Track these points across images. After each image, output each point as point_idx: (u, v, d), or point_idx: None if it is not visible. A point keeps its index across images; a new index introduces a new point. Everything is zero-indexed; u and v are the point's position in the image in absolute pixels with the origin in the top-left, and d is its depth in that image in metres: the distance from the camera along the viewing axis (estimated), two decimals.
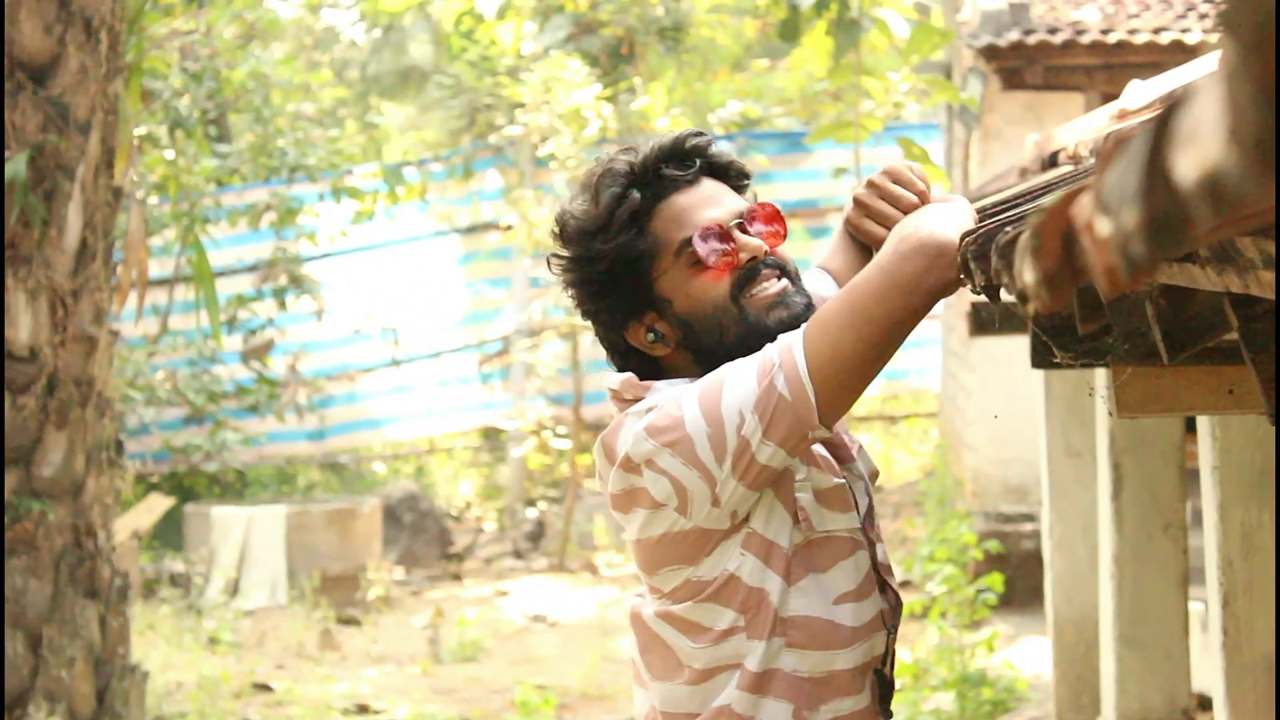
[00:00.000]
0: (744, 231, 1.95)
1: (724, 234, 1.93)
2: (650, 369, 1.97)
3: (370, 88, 17.22)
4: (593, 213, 1.94)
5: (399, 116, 17.83)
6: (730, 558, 1.88)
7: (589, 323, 2.03)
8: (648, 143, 1.99)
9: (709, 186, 1.97)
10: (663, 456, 1.83)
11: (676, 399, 1.85)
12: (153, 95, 8.62)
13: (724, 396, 1.81)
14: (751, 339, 1.88)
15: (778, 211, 2.02)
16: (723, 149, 2.03)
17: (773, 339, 1.83)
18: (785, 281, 1.95)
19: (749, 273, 1.93)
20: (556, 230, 1.98)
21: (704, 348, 1.93)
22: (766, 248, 1.95)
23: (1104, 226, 0.87)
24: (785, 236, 2.00)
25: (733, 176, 2.01)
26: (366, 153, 13.63)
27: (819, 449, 1.93)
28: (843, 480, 1.94)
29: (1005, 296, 1.58)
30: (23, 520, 4.87)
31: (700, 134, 2.01)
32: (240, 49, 10.28)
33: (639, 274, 1.94)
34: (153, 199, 9.37)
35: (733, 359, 1.86)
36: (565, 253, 1.97)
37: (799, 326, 1.84)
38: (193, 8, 8.18)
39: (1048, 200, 1.04)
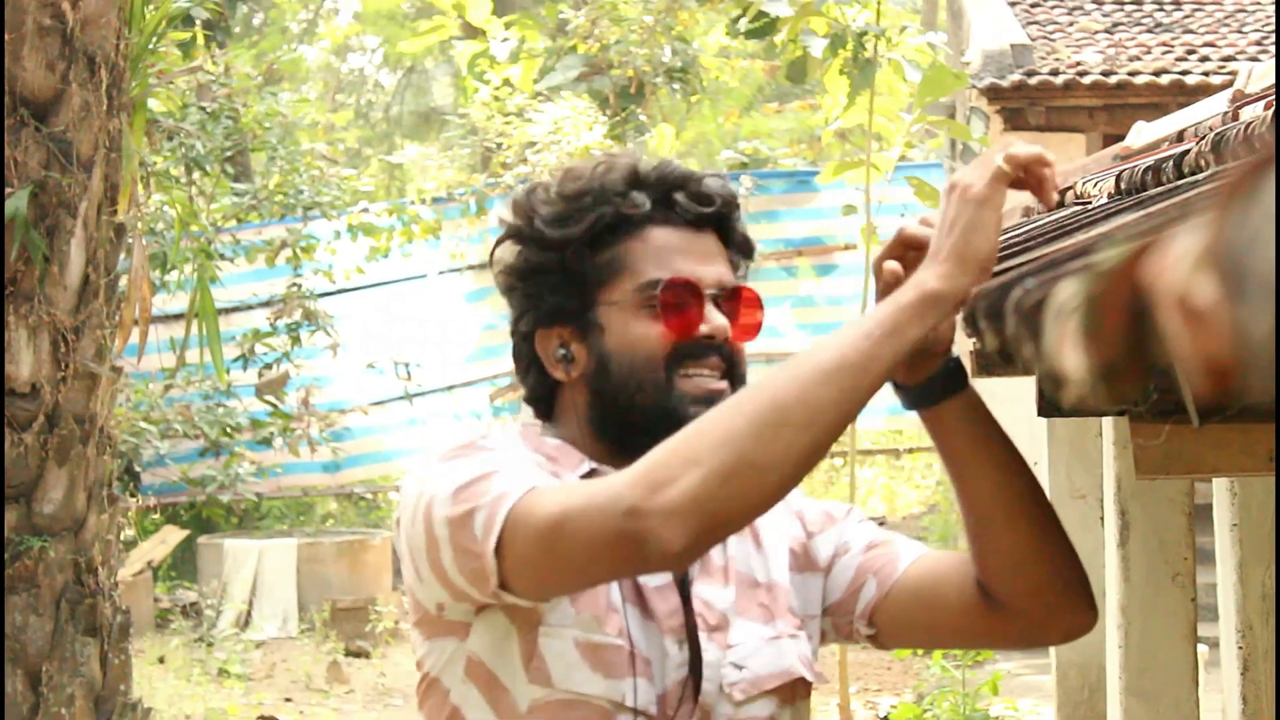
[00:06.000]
0: (717, 306, 1.66)
1: (696, 297, 1.65)
2: (545, 393, 1.70)
3: (394, 128, 17.38)
4: (575, 191, 1.66)
5: (421, 156, 18.12)
6: (449, 675, 1.64)
7: (509, 318, 1.74)
8: (669, 162, 1.72)
9: (710, 242, 1.69)
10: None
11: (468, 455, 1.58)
12: (169, 133, 8.68)
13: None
14: (662, 417, 1.55)
15: (760, 307, 1.71)
16: (741, 219, 1.74)
17: (660, 433, 1.47)
18: (725, 383, 1.64)
19: (698, 349, 1.63)
20: (521, 199, 1.70)
21: (607, 395, 1.63)
22: (730, 333, 1.65)
23: (1214, 296, 0.58)
24: (755, 333, 1.70)
25: (736, 247, 1.72)
26: (389, 191, 13.75)
27: (627, 608, 1.62)
28: (622, 643, 1.60)
29: (1027, 365, 1.31)
30: (23, 557, 4.87)
31: (730, 188, 1.73)
32: (256, 89, 10.38)
33: (584, 285, 1.65)
34: (170, 234, 9.45)
35: (630, 425, 1.60)
36: (517, 222, 1.69)
37: None
38: (211, 48, 8.25)
39: (1105, 257, 0.77)
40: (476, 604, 1.57)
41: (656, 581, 1.64)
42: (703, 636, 1.65)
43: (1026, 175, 1.47)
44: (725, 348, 1.64)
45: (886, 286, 1.54)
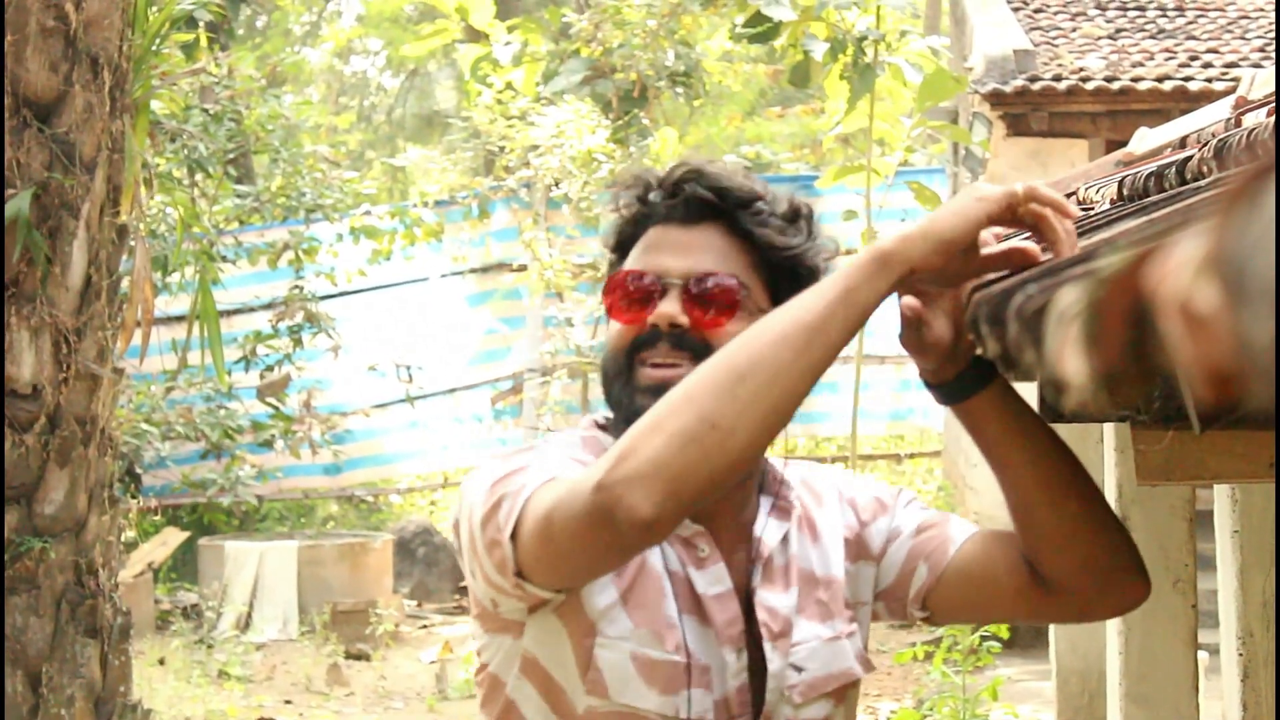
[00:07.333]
0: (690, 295, 1.63)
1: (649, 288, 1.64)
2: None
3: (396, 131, 17.41)
4: (614, 208, 1.75)
5: (423, 159, 18.14)
6: (506, 671, 1.67)
7: None
8: (687, 162, 1.72)
9: (703, 235, 1.66)
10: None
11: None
12: (171, 135, 8.68)
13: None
14: (628, 409, 1.58)
15: (731, 294, 1.64)
16: (762, 213, 1.67)
17: (630, 424, 1.47)
18: (683, 369, 1.57)
19: (649, 337, 1.63)
20: None
21: (605, 395, 1.68)
22: (681, 320, 1.61)
23: (1215, 302, 0.58)
24: (726, 317, 1.63)
25: (754, 240, 1.66)
26: (392, 194, 13.76)
27: (684, 618, 1.63)
28: (679, 659, 1.62)
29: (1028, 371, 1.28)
30: (24, 558, 4.86)
31: (738, 183, 1.68)
32: (260, 91, 10.39)
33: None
34: (172, 236, 9.46)
35: (618, 420, 1.63)
36: None
37: None
38: (214, 50, 8.26)
39: (1107, 263, 0.77)
40: (519, 597, 1.58)
41: (715, 590, 1.65)
42: (767, 647, 1.67)
43: (1036, 215, 1.44)
44: (686, 336, 1.62)
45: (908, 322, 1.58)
